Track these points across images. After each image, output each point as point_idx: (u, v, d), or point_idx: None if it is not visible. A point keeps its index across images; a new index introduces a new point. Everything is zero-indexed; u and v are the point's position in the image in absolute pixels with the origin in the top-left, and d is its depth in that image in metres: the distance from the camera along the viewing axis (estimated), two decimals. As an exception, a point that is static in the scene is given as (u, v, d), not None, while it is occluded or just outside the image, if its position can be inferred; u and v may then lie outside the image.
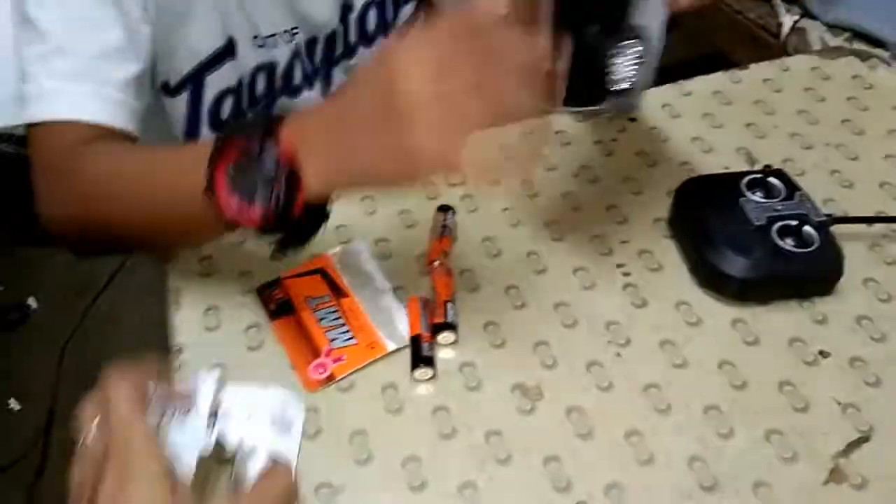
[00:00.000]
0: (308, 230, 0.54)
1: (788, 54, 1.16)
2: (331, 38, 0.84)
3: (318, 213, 0.53)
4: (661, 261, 0.68)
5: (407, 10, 0.89)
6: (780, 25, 1.19)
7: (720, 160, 0.78)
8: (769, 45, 1.23)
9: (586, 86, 0.49)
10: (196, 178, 0.51)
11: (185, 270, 0.68)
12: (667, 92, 0.86)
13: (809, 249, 0.62)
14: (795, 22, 1.17)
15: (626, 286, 0.66)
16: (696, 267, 0.66)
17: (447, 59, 0.44)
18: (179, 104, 0.78)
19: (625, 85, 0.49)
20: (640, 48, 0.49)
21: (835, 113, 0.84)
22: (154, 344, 0.61)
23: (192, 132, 0.79)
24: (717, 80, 0.89)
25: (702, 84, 0.89)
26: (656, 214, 0.72)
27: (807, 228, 0.63)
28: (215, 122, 0.80)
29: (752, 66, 0.92)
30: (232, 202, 0.50)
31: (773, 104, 0.85)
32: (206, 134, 0.80)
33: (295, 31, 0.81)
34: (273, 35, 0.79)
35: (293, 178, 0.48)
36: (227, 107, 0.80)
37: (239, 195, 0.49)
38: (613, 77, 0.48)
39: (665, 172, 0.77)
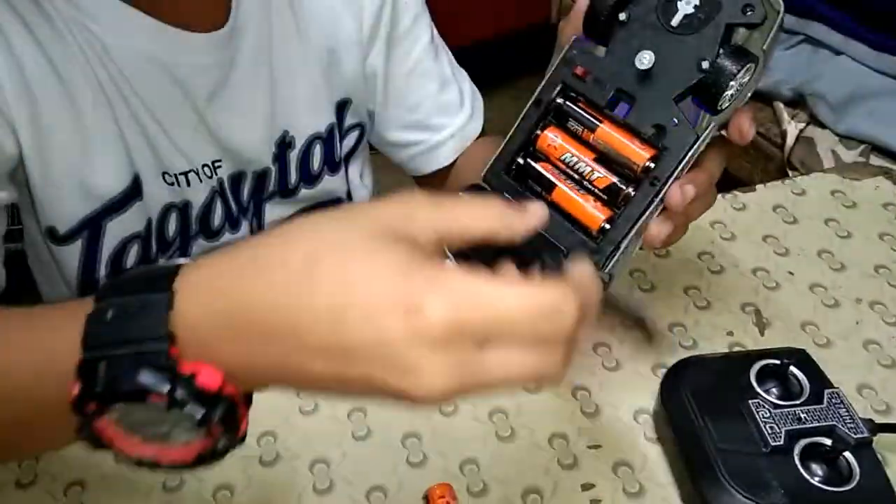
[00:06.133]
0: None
1: (793, 168, 0.99)
2: (262, 175, 0.68)
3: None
4: (643, 479, 0.50)
5: (349, 141, 0.73)
6: (783, 133, 1.02)
7: (721, 321, 0.61)
8: (771, 157, 1.06)
9: None
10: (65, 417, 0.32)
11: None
12: (654, 223, 0.70)
13: (848, 487, 0.44)
14: (801, 130, 1.01)
15: (593, 519, 0.48)
16: (690, 499, 0.48)
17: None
18: (70, 253, 0.61)
19: None
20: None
21: (867, 255, 0.67)
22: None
23: (87, 281, 0.63)
24: (716, 205, 0.72)
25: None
26: (637, 404, 0.54)
27: (848, 456, 0.45)
28: (117, 271, 0.63)
29: (760, 187, 0.75)
30: (137, 448, 0.33)
31: (786, 240, 0.69)
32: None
33: (217, 164, 0.65)
34: (186, 172, 0.63)
35: (228, 412, 0.32)
36: (133, 254, 0.63)
37: (149, 441, 0.32)
38: None
39: (647, 338, 0.59)
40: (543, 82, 0.45)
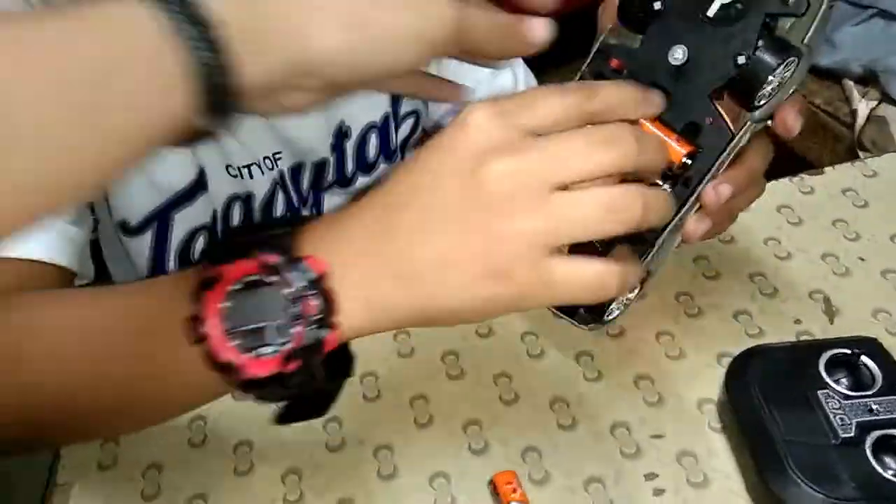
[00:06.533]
0: (328, 390, 0.38)
1: (864, 148, 0.96)
2: (320, 165, 0.69)
3: (340, 360, 0.37)
4: (707, 469, 0.50)
5: (404, 129, 0.74)
6: (853, 113, 0.98)
7: (788, 309, 0.60)
8: (840, 137, 1.02)
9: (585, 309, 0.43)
10: (175, 321, 0.34)
11: (80, 462, 0.53)
12: (717, 209, 0.68)
13: (924, 481, 0.43)
14: (872, 109, 0.97)
15: (657, 509, 0.48)
16: (755, 490, 0.47)
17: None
18: (141, 244, 0.64)
19: (615, 315, 0.43)
20: (639, 291, 0.43)
21: (941, 240, 0.65)
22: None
23: (158, 270, 0.65)
24: (782, 189, 0.71)
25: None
26: (702, 393, 0.54)
27: (920, 447, 0.44)
28: (185, 260, 0.66)
29: (828, 169, 0.73)
30: (229, 350, 0.34)
31: (858, 225, 0.67)
32: (175, 271, 0.66)
33: (278, 156, 0.66)
34: (249, 165, 0.65)
35: (325, 315, 0.34)
36: (200, 245, 0.66)
37: (241, 341, 0.34)
38: (609, 313, 0.42)
39: (713, 329, 0.58)
40: (580, 74, 0.45)
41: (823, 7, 0.38)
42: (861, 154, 0.97)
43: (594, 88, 0.36)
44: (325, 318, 0.33)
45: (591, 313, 0.43)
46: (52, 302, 0.44)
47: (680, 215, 0.41)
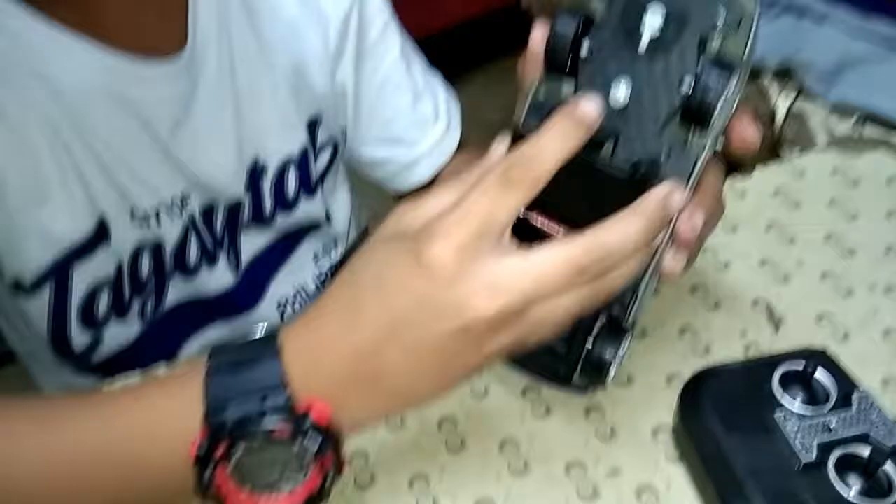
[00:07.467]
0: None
1: (784, 146, 0.97)
2: (234, 206, 0.64)
3: None
4: (668, 504, 0.47)
5: (322, 160, 0.70)
6: (772, 110, 0.99)
7: (733, 321, 0.58)
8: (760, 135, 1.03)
9: (580, 370, 0.41)
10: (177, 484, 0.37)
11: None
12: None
13: (890, 499, 0.42)
14: (791, 105, 0.97)
15: (620, 551, 0.45)
16: (720, 523, 0.45)
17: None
18: (38, 304, 0.58)
19: (613, 373, 0.40)
20: (629, 341, 0.41)
21: (877, 237, 0.64)
22: None
23: (58, 332, 0.59)
24: (715, 196, 0.70)
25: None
26: (655, 420, 0.51)
27: (886, 466, 0.42)
28: (88, 319, 0.60)
29: (758, 172, 0.72)
30: (251, 500, 0.36)
31: (793, 227, 0.66)
32: (77, 333, 0.60)
33: (187, 197, 0.61)
34: (156, 209, 0.59)
35: (335, 445, 0.36)
36: (104, 300, 0.60)
37: (261, 492, 0.36)
38: (609, 373, 0.40)
39: (659, 348, 0.56)
40: (513, 133, 0.40)
41: (755, 18, 0.37)
42: (783, 152, 0.97)
43: (599, 253, 0.35)
44: (338, 461, 0.36)
45: (589, 376, 0.40)
46: (35, 424, 0.39)
47: (658, 255, 0.39)
